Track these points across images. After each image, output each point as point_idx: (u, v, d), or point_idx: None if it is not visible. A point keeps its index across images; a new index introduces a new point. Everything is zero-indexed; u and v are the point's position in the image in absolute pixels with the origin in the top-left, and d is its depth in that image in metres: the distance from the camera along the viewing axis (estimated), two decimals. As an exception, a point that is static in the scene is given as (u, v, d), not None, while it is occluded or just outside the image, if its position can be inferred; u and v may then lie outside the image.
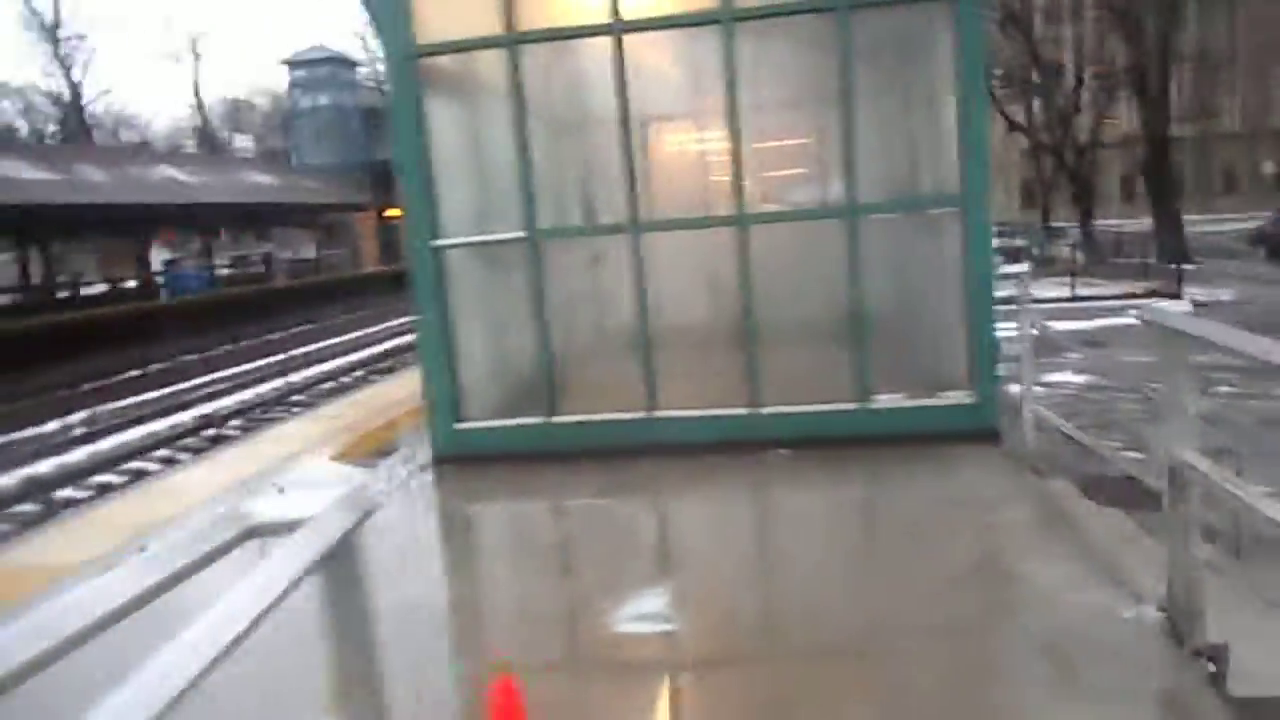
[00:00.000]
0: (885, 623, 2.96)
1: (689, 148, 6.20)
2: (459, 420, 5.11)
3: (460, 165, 5.09)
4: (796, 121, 6.10)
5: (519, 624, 3.26)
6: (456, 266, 5.06)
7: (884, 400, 4.88)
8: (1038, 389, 4.55)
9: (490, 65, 4.93)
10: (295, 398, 16.37)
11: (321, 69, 41.73)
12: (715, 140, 5.11)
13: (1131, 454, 5.56)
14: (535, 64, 5.01)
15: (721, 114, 4.84)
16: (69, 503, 10.52)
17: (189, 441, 13.38)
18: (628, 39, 4.83)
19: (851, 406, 4.87)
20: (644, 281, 5.04)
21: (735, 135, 4.85)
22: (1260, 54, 47.49)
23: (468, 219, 5.11)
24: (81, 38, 45.39)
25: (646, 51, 5.19)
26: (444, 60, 4.93)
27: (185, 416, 15.21)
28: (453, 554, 4.15)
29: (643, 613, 3.15)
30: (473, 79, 5.25)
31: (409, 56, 4.76)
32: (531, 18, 4.81)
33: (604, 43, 4.83)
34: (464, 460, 5.04)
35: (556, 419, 5.09)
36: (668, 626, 3.08)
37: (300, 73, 44.83)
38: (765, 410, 4.94)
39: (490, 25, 4.77)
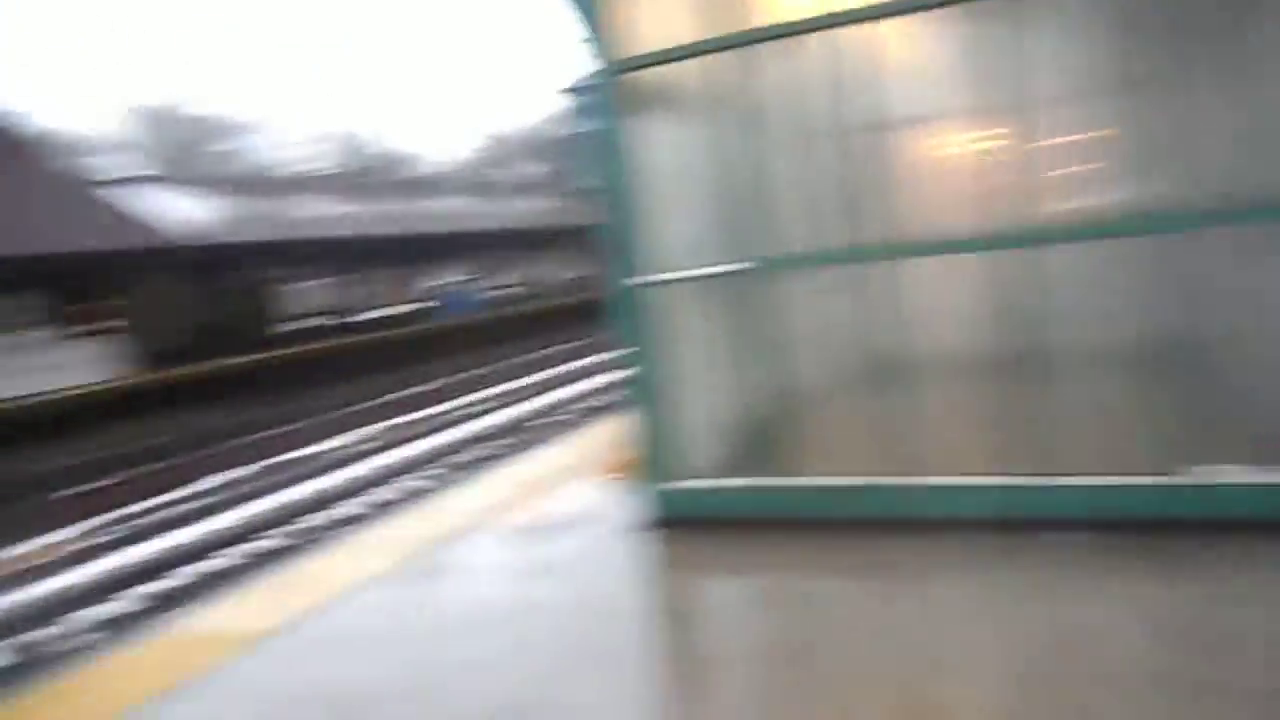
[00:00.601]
0: None
1: (958, 152, 5.21)
2: (674, 478, 4.47)
3: (672, 189, 4.47)
4: (1096, 113, 4.94)
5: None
6: (669, 303, 4.44)
7: (1222, 474, 3.67)
8: None
9: (708, 74, 4.28)
10: (559, 417, 16.62)
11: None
12: (992, 142, 4.15)
13: None
14: (762, 69, 4.30)
15: (1002, 109, 3.89)
16: (350, 519, 11.11)
17: (458, 458, 13.86)
18: (876, 28, 4.00)
19: (1173, 481, 3.71)
20: (901, 317, 4.19)
21: (1019, 133, 3.88)
22: None
23: (683, 249, 4.47)
24: (374, 82, 50.71)
25: (895, 41, 4.32)
26: (653, 72, 4.33)
27: (457, 434, 15.85)
28: (644, 643, 3.49)
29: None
30: (687, 91, 4.62)
31: (617, 70, 4.21)
32: (756, 16, 4.11)
33: (846, 35, 4.03)
34: (678, 525, 4.40)
35: (790, 481, 4.32)
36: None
37: (580, 98, 46.88)
38: (1056, 481, 3.89)
39: (707, 28, 4.12)
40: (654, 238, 4.32)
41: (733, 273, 4.38)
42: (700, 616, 3.84)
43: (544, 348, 28.26)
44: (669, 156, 4.44)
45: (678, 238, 4.44)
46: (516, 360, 26.17)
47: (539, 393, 19.52)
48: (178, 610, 7.51)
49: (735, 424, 4.76)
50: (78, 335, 21.49)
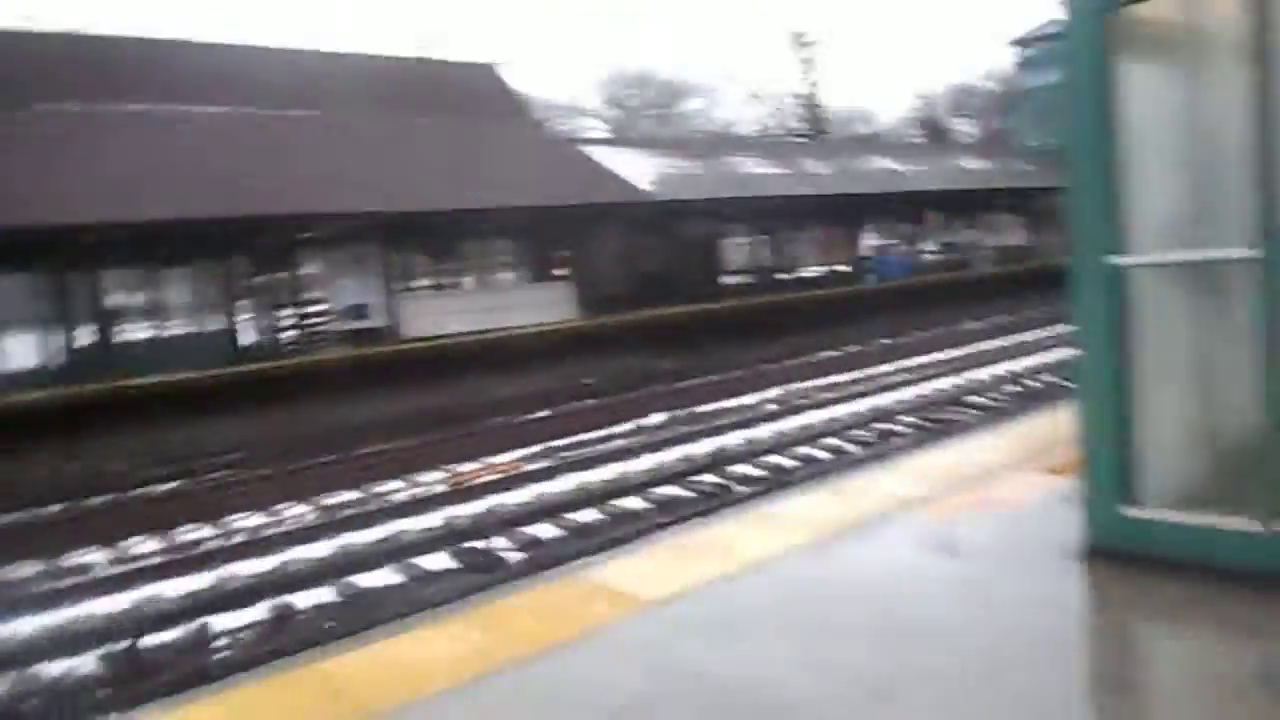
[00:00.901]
0: None
1: None
2: (1128, 502, 3.70)
3: (1161, 153, 3.62)
4: None
5: None
6: (1144, 291, 3.63)
7: None
8: None
9: (1221, 6, 3.37)
10: (972, 399, 15.47)
11: (1052, 46, 39.45)
12: None
13: None
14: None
15: None
16: (748, 479, 11.29)
17: (858, 433, 13.45)
18: None
19: None
20: None
21: None
22: None
23: (1167, 227, 3.63)
24: (813, 44, 51.29)
25: None
26: (1143, 9, 3.51)
27: (860, 406, 15.41)
28: (1089, 704, 2.89)
29: None
30: (1190, 30, 3.70)
31: (1100, 9, 3.48)
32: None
33: None
34: (1128, 559, 3.65)
35: (1286, 528, 3.36)
36: None
37: (1028, 51, 43.10)
38: None
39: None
40: (1133, 209, 3.55)
41: (1231, 259, 3.47)
42: (1162, 684, 3.13)
43: (973, 320, 26.51)
44: (1163, 114, 3.62)
45: (1164, 211, 3.62)
46: (941, 331, 24.84)
47: (962, 369, 18.27)
48: (591, 547, 8.06)
49: (1218, 450, 3.83)
50: (542, 280, 24.40)
